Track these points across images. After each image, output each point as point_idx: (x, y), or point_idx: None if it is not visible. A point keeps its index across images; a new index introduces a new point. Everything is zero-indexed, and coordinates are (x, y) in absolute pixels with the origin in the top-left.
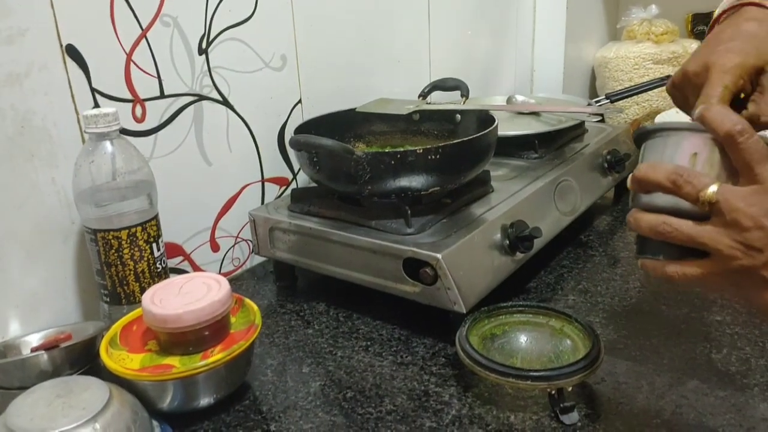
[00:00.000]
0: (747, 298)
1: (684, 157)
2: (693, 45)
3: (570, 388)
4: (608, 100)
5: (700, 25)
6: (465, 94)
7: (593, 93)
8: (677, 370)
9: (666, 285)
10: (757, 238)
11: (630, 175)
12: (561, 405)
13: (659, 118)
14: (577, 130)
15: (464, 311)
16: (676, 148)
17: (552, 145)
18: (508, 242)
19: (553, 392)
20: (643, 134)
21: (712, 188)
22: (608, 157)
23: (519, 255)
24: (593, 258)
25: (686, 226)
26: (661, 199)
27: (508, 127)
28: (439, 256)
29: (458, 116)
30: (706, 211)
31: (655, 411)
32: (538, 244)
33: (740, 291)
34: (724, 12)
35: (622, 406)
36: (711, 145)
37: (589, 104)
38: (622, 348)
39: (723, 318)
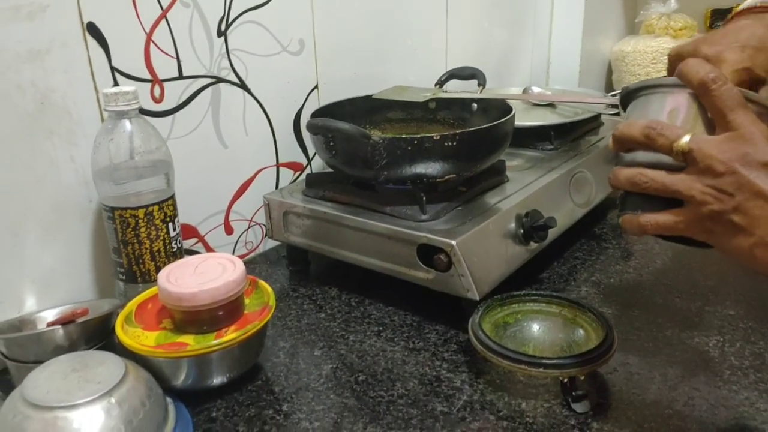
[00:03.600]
0: (718, 245)
1: (663, 114)
2: None
3: (582, 377)
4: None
5: (720, 20)
6: (482, 83)
7: (609, 87)
8: (690, 363)
9: (678, 275)
10: (729, 183)
11: (611, 135)
12: (573, 393)
13: None
14: (592, 123)
15: (477, 298)
16: (656, 106)
17: (568, 136)
18: (522, 231)
19: (566, 380)
20: (627, 95)
21: (685, 138)
22: None
23: (533, 245)
24: (607, 250)
25: (660, 175)
26: (642, 156)
27: (524, 118)
28: (453, 242)
29: (474, 105)
30: (681, 162)
31: (667, 402)
32: (551, 234)
33: (711, 238)
34: (743, 11)
35: (634, 396)
36: (691, 101)
37: (606, 97)
38: (635, 339)
39: (737, 312)
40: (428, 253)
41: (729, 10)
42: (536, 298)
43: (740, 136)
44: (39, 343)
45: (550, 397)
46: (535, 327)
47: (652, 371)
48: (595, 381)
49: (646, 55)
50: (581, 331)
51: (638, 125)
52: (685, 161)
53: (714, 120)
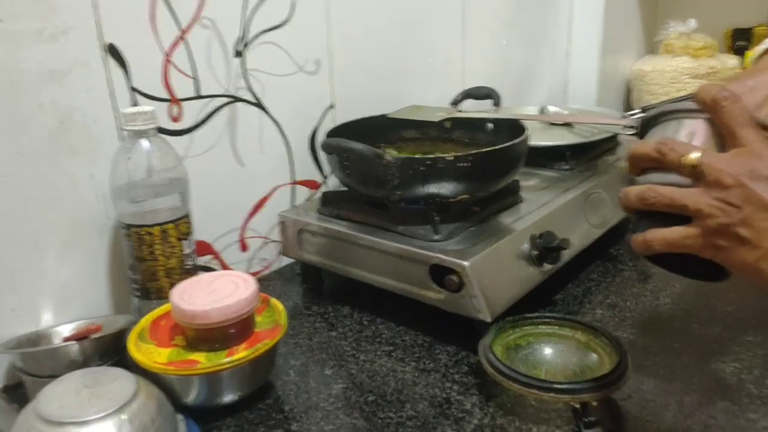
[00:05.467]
0: (724, 260)
1: (680, 137)
2: (732, 60)
3: (595, 403)
4: (644, 114)
5: (740, 40)
6: (497, 103)
7: (628, 106)
8: (707, 390)
9: (696, 300)
10: (737, 196)
11: (627, 157)
12: (585, 420)
13: None
14: (609, 143)
15: (489, 320)
16: (674, 131)
17: (584, 156)
18: (536, 253)
19: (578, 406)
20: (646, 122)
21: (695, 153)
22: None
23: (547, 266)
24: (623, 272)
25: (669, 190)
26: (656, 177)
27: (540, 138)
28: (465, 263)
29: (490, 125)
30: (690, 176)
31: (683, 431)
32: (566, 255)
33: (718, 254)
34: None
35: (649, 424)
36: (707, 126)
37: (623, 117)
38: (651, 365)
39: (755, 338)
40: (440, 274)
41: (749, 30)
42: (549, 320)
43: (749, 152)
44: (54, 359)
45: (562, 423)
46: (548, 350)
47: (668, 398)
48: (608, 407)
49: (665, 74)
50: (594, 356)
51: (650, 142)
52: (695, 176)
53: (725, 137)
